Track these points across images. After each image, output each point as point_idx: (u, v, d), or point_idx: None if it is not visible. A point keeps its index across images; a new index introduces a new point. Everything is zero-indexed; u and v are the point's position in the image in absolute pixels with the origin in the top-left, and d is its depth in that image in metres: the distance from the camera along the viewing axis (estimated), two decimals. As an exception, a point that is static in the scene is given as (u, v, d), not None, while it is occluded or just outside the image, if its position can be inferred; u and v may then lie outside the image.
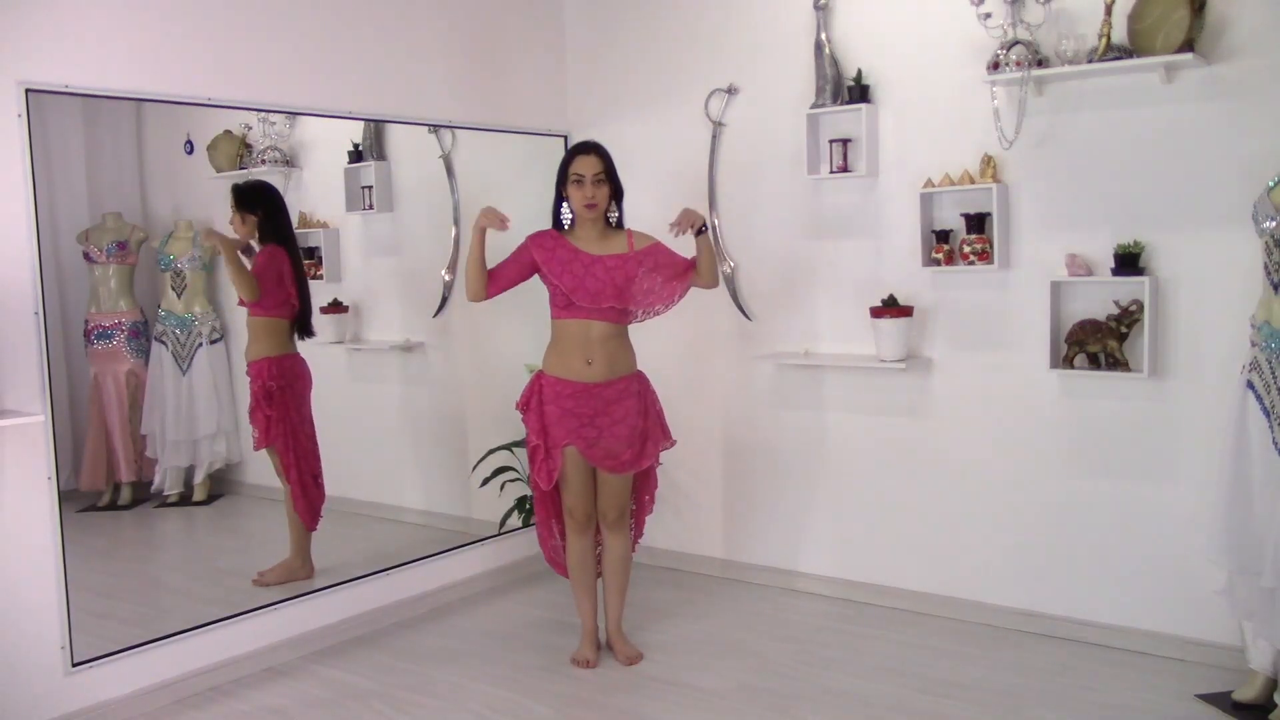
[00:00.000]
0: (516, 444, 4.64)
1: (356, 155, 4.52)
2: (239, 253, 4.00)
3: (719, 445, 4.67)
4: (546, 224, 3.68)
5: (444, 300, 4.75)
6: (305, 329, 4.13)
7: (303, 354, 4.14)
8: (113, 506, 4.07)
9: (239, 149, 4.20)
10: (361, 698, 3.52)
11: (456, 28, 4.44)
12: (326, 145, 4.45)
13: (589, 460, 3.60)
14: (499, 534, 4.72)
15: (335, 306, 4.50)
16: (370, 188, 4.53)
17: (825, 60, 4.13)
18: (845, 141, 4.14)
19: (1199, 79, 3.44)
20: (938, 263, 3.94)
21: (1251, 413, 3.03)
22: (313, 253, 4.43)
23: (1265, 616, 3.04)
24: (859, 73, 4.09)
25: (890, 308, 4.00)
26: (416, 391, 4.88)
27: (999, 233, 3.81)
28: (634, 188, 4.04)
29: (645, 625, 4.07)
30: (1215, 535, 3.14)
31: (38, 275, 3.14)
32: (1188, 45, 3.33)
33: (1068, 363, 3.67)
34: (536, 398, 3.62)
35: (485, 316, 4.75)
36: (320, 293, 4.31)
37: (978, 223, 3.84)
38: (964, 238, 3.87)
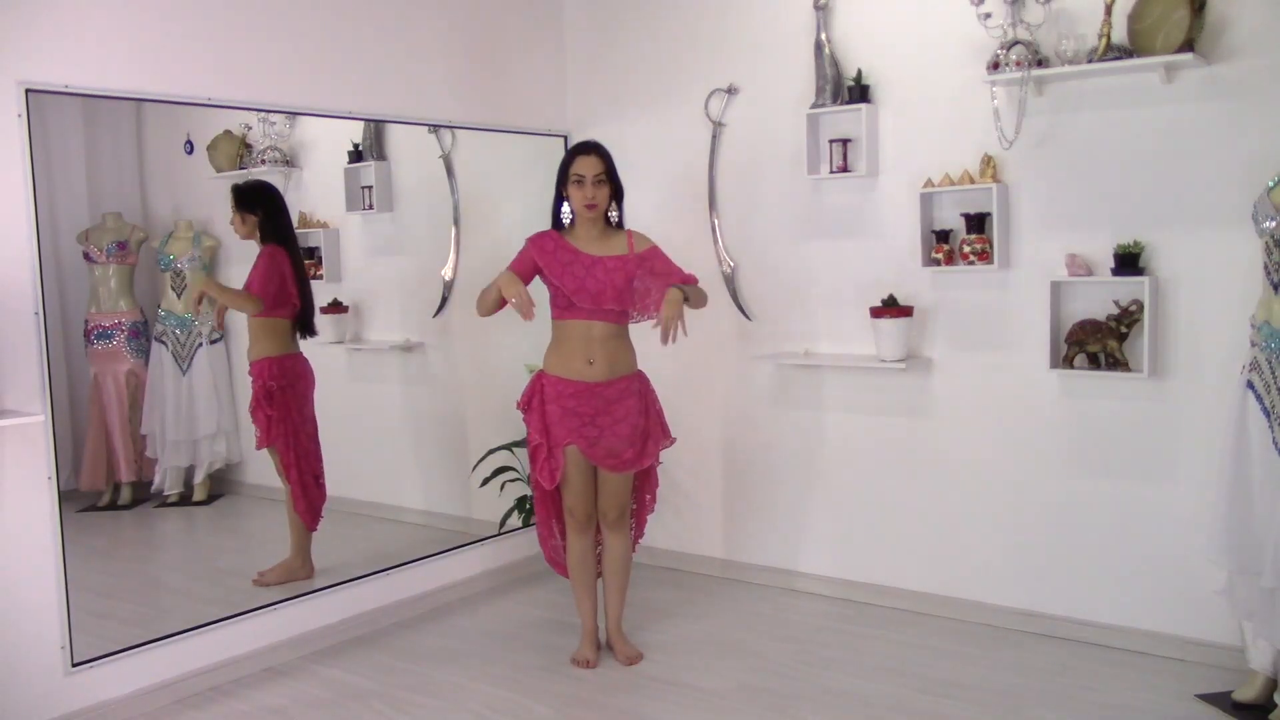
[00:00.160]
0: (516, 444, 4.64)
1: (356, 155, 4.52)
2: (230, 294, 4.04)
3: (719, 445, 4.67)
4: (546, 224, 3.68)
5: (444, 300, 4.75)
6: (307, 328, 4.13)
7: (305, 354, 4.14)
8: (113, 506, 4.07)
9: (239, 149, 4.20)
10: (361, 698, 3.52)
11: (456, 28, 4.44)
12: (326, 145, 4.45)
13: (590, 459, 3.60)
14: (499, 534, 4.72)
15: (335, 306, 4.50)
16: (370, 188, 4.53)
17: (825, 60, 4.13)
18: (845, 141, 4.14)
19: (1199, 79, 3.44)
20: (938, 263, 3.94)
21: (1251, 413, 3.03)
22: (313, 253, 4.43)
23: (1265, 616, 3.04)
24: (859, 73, 4.09)
25: (890, 308, 4.00)
26: (416, 391, 4.88)
27: (999, 233, 3.81)
28: (634, 188, 4.04)
29: (645, 625, 4.07)
30: (1215, 535, 3.14)
31: (38, 275, 3.14)
32: (1188, 45, 3.33)
33: (1068, 363, 3.67)
34: (538, 397, 3.62)
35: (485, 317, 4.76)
36: (320, 293, 4.31)
37: (978, 223, 3.84)
38: (964, 238, 3.87)
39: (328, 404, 4.20)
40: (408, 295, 4.78)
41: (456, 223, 4.74)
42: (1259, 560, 3.00)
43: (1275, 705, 3.12)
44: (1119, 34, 3.49)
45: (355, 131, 4.49)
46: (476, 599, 4.49)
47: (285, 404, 4.03)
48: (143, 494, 4.15)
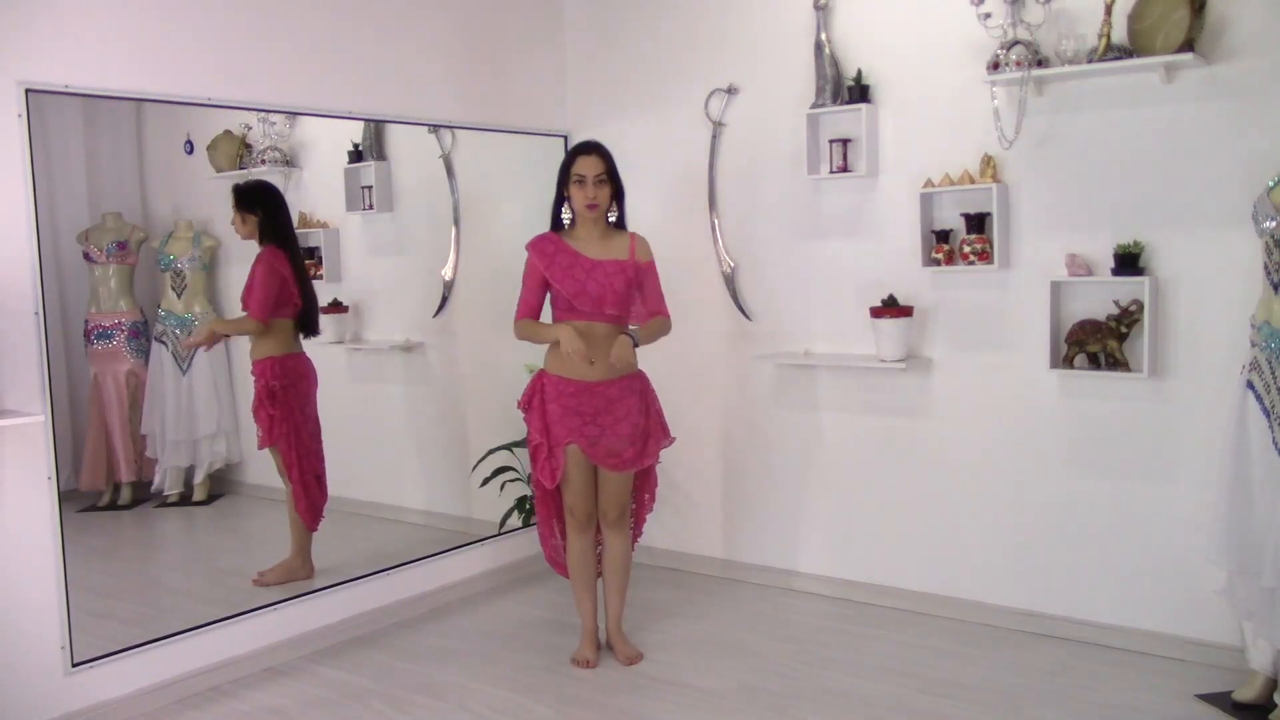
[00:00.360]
0: (516, 444, 4.64)
1: (356, 155, 4.52)
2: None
3: (719, 445, 4.67)
4: (546, 224, 3.68)
5: (444, 300, 4.75)
6: (310, 327, 4.13)
7: (308, 354, 4.14)
8: (113, 506, 4.07)
9: (239, 149, 4.20)
10: (361, 698, 3.52)
11: (456, 28, 4.44)
12: (326, 145, 4.45)
13: (591, 459, 3.60)
14: (499, 534, 4.72)
15: (335, 306, 4.50)
16: (370, 188, 4.53)
17: (825, 60, 4.13)
18: (845, 141, 4.14)
19: (1199, 79, 3.44)
20: (938, 263, 3.94)
21: (1251, 413, 3.03)
22: (313, 253, 4.43)
23: (1265, 616, 3.04)
24: (859, 73, 4.09)
25: (890, 308, 4.00)
26: (417, 391, 4.88)
27: (999, 233, 3.81)
28: (634, 188, 4.04)
29: (645, 625, 4.07)
30: (1215, 535, 3.14)
31: (38, 275, 3.14)
32: (1188, 45, 3.33)
33: (1068, 363, 3.67)
34: (539, 396, 3.62)
35: (485, 317, 4.76)
36: (320, 293, 4.31)
37: (978, 223, 3.84)
38: (964, 238, 3.87)
39: (328, 404, 4.20)
40: (408, 295, 4.78)
41: (456, 223, 4.74)
42: (1259, 560, 3.00)
43: (1275, 705, 3.12)
44: (1119, 34, 3.49)
45: (355, 131, 4.49)
46: (476, 599, 4.49)
47: (288, 403, 4.03)
48: (143, 494, 4.15)
